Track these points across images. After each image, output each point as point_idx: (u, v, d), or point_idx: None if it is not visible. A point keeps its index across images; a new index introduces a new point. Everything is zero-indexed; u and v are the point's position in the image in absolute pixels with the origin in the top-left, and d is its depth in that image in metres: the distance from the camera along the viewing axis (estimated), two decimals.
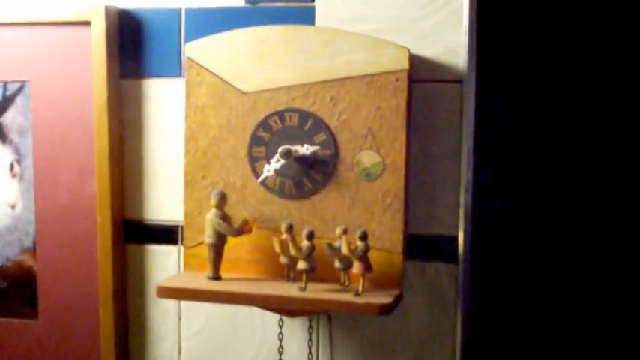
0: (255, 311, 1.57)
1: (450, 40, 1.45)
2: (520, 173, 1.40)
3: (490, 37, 1.40)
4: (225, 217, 1.41)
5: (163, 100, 1.60)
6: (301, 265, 1.35)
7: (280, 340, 1.53)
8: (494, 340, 1.42)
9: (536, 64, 1.38)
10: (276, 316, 1.53)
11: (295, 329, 1.56)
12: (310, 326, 1.52)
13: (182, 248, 1.59)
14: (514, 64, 1.39)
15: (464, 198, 1.43)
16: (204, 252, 1.46)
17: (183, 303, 1.62)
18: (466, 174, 1.42)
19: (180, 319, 1.64)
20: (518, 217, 1.41)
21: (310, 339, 1.53)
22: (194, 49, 1.48)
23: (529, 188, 1.40)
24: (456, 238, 1.47)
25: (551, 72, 1.38)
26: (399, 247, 1.39)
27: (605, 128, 1.36)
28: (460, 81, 1.45)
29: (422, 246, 1.48)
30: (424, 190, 1.47)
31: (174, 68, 1.59)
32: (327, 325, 1.54)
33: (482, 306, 1.42)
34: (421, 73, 1.44)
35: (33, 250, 1.65)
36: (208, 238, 1.41)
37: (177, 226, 1.61)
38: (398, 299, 1.35)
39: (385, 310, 1.28)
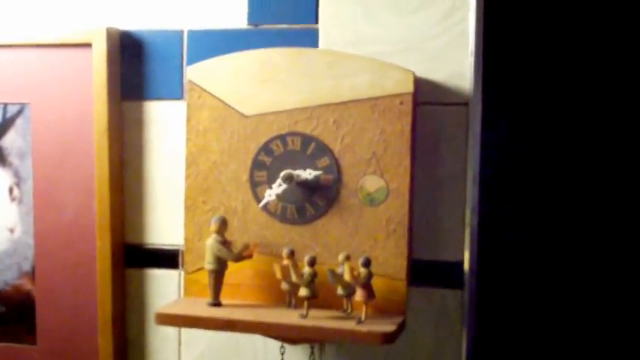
0: (256, 337, 1.54)
1: (455, 63, 1.43)
2: (527, 197, 1.38)
3: (497, 59, 1.39)
4: (225, 243, 1.39)
5: (165, 123, 1.58)
6: (303, 292, 1.33)
7: None
8: None
9: (544, 86, 1.37)
10: (277, 343, 1.50)
11: (297, 356, 1.52)
12: (312, 353, 1.49)
13: (182, 273, 1.56)
14: (521, 87, 1.37)
15: (469, 223, 1.40)
16: (205, 277, 1.43)
17: (184, 329, 1.59)
18: (472, 198, 1.40)
19: (180, 345, 1.61)
20: (525, 243, 1.39)
21: None
22: (196, 72, 1.46)
23: (536, 214, 1.38)
24: (461, 264, 1.44)
25: (559, 95, 1.36)
26: (402, 273, 1.36)
27: (614, 149, 1.34)
28: (466, 104, 1.42)
29: (427, 272, 1.45)
30: (428, 214, 1.45)
31: (175, 91, 1.57)
32: (329, 352, 1.51)
33: (489, 333, 1.40)
34: (426, 96, 1.42)
35: (32, 275, 1.63)
36: (208, 264, 1.39)
37: (178, 251, 1.59)
38: (401, 327, 1.32)
39: (388, 339, 1.25)
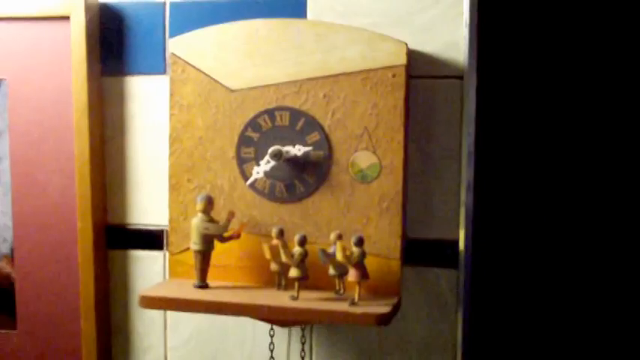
0: (245, 320, 1.49)
1: (449, 34, 1.38)
2: (523, 173, 1.33)
3: (491, 30, 1.33)
4: (212, 222, 1.33)
5: (147, 99, 1.53)
6: (293, 272, 1.28)
7: (271, 351, 1.45)
8: (495, 347, 1.35)
9: (540, 58, 1.32)
10: (267, 326, 1.45)
11: (287, 339, 1.48)
12: (303, 336, 1.44)
13: (167, 254, 1.51)
14: (516, 59, 1.32)
15: (464, 200, 1.35)
16: (190, 258, 1.38)
17: (169, 312, 1.54)
18: (467, 175, 1.35)
19: (166, 329, 1.56)
20: (521, 220, 1.34)
21: (303, 349, 1.45)
22: (178, 45, 1.40)
23: (532, 189, 1.33)
24: (456, 243, 1.40)
25: (555, 67, 1.31)
26: (396, 253, 1.31)
27: (608, 124, 1.30)
28: (460, 77, 1.37)
29: (420, 251, 1.40)
30: (422, 192, 1.40)
31: (158, 65, 1.52)
32: (321, 334, 1.46)
33: (484, 312, 1.36)
34: (419, 69, 1.37)
35: (11, 257, 1.57)
36: (194, 244, 1.33)
37: (162, 231, 1.54)
38: (396, 308, 1.27)
39: (383, 320, 1.21)
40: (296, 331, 1.46)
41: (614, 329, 1.31)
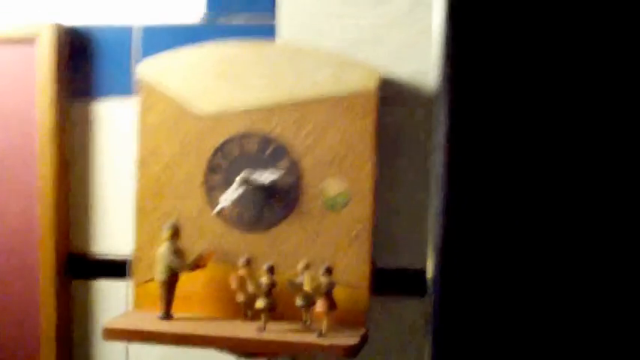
0: (210, 352, 1.44)
1: (419, 61, 1.36)
2: (493, 202, 1.31)
3: (462, 57, 1.32)
4: (178, 251, 1.30)
5: (113, 122, 1.50)
6: (260, 303, 1.24)
7: None
8: None
9: (513, 89, 1.30)
10: (233, 358, 1.40)
11: None
12: None
13: (131, 284, 1.47)
14: (487, 86, 1.31)
15: (433, 228, 1.33)
16: (155, 288, 1.34)
17: (132, 344, 1.49)
18: (435, 204, 1.32)
19: (128, 359, 1.51)
20: (491, 248, 1.31)
21: None
22: (146, 69, 1.37)
23: (503, 218, 1.31)
24: (423, 272, 1.37)
25: (527, 95, 1.30)
26: (365, 282, 1.29)
27: (582, 150, 1.28)
28: (429, 104, 1.35)
29: (387, 280, 1.37)
30: (390, 220, 1.37)
31: (125, 87, 1.48)
32: None
33: (453, 343, 1.33)
34: (388, 96, 1.35)
35: None
36: (160, 274, 1.30)
37: (126, 260, 1.49)
38: (364, 339, 1.24)
39: (351, 352, 1.18)
40: None
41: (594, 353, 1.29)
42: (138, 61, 1.45)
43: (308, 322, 1.26)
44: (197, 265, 1.31)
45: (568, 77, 1.25)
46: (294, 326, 1.26)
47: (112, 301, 1.51)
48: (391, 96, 1.36)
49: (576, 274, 1.28)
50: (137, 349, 1.50)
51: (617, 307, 1.28)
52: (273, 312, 1.25)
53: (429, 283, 1.33)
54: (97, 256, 1.51)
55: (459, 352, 1.31)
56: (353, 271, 1.29)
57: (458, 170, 1.29)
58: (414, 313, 1.38)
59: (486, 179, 1.28)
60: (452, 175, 1.30)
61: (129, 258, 1.48)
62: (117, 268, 1.50)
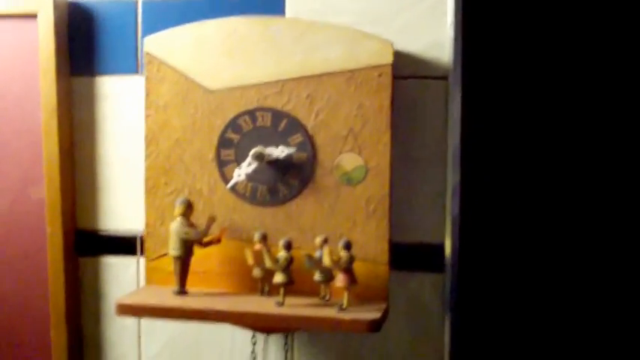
0: (224, 327, 1.44)
1: (433, 34, 1.34)
2: (510, 176, 1.31)
3: (477, 29, 1.31)
4: (192, 226, 1.28)
5: (118, 99, 1.47)
6: (279, 278, 1.23)
7: (254, 359, 1.40)
8: (483, 355, 1.32)
9: (527, 57, 1.30)
10: (247, 333, 1.40)
11: (270, 347, 1.43)
12: (286, 343, 1.40)
13: (141, 260, 1.46)
14: (503, 58, 1.30)
15: (450, 203, 1.32)
16: (168, 265, 1.33)
17: (144, 320, 1.49)
18: (452, 178, 1.32)
19: (140, 337, 1.50)
20: (508, 223, 1.32)
21: (287, 357, 1.40)
22: (154, 43, 1.35)
23: (519, 192, 1.31)
24: (441, 246, 1.36)
25: (543, 66, 1.29)
26: (384, 257, 1.28)
27: (597, 124, 1.28)
28: (445, 77, 1.34)
29: (404, 255, 1.37)
30: (406, 195, 1.36)
31: (130, 64, 1.46)
32: (302, 341, 1.42)
33: (470, 319, 1.33)
34: (403, 69, 1.34)
35: None
36: (173, 250, 1.28)
37: (135, 236, 1.48)
38: (385, 314, 1.24)
39: (374, 326, 1.17)
40: (279, 338, 1.42)
41: (607, 331, 1.30)
42: (143, 37, 1.42)
43: (327, 297, 1.26)
44: (211, 241, 1.30)
45: (591, 48, 1.24)
46: (312, 301, 1.25)
47: (121, 278, 1.49)
48: (405, 69, 1.34)
49: (598, 249, 1.28)
50: (149, 326, 1.49)
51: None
52: (291, 287, 1.24)
53: (447, 259, 1.33)
54: (105, 233, 1.49)
55: (478, 328, 1.31)
56: (371, 246, 1.28)
57: (474, 144, 1.29)
58: (431, 289, 1.38)
59: (503, 154, 1.28)
60: (468, 149, 1.29)
61: (138, 234, 1.46)
62: (126, 245, 1.49)
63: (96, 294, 1.51)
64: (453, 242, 1.33)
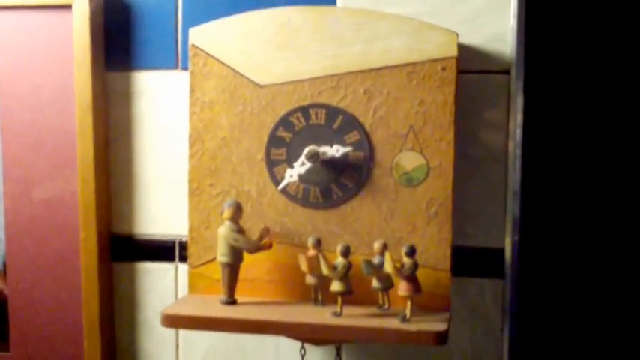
0: (267, 338, 1.37)
1: (495, 26, 1.27)
2: (573, 178, 1.23)
3: (541, 21, 1.23)
4: (240, 232, 1.20)
5: (156, 96, 1.39)
6: (336, 286, 1.15)
7: None
8: None
9: (593, 52, 1.22)
10: (293, 343, 1.32)
11: (320, 358, 1.35)
12: (338, 355, 1.31)
13: (180, 266, 1.38)
14: (568, 52, 1.22)
15: (511, 206, 1.24)
16: (212, 271, 1.26)
17: (182, 330, 1.40)
18: (513, 180, 1.24)
19: (177, 348, 1.43)
20: (570, 228, 1.24)
21: None
22: (199, 35, 1.26)
23: (583, 195, 1.23)
24: (502, 251, 1.28)
25: (610, 62, 1.21)
26: (446, 263, 1.20)
27: None
28: (507, 71, 1.26)
29: (464, 260, 1.29)
30: (465, 196, 1.28)
31: (169, 58, 1.38)
32: (356, 352, 1.34)
33: (531, 328, 1.25)
34: (463, 63, 1.25)
35: (3, 272, 1.42)
36: (222, 256, 1.20)
37: (173, 241, 1.40)
38: (449, 324, 1.15)
39: (441, 338, 1.09)
40: (329, 350, 1.33)
41: None
42: (183, 29, 1.35)
43: (386, 306, 1.18)
44: (262, 245, 1.22)
45: None
46: (370, 310, 1.18)
47: (159, 285, 1.42)
48: (465, 63, 1.26)
49: None
50: (187, 336, 1.41)
51: None
52: (349, 296, 1.16)
53: (507, 264, 1.25)
54: (142, 238, 1.41)
55: (537, 335, 1.24)
56: (432, 252, 1.20)
57: (536, 145, 1.21)
58: (491, 295, 1.30)
59: (566, 154, 1.20)
60: (530, 148, 1.22)
61: (177, 238, 1.39)
62: (164, 250, 1.41)
63: (131, 302, 1.43)
64: (513, 246, 1.25)
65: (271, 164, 1.25)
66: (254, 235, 1.23)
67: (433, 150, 1.20)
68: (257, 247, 1.20)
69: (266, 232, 1.21)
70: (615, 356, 1.23)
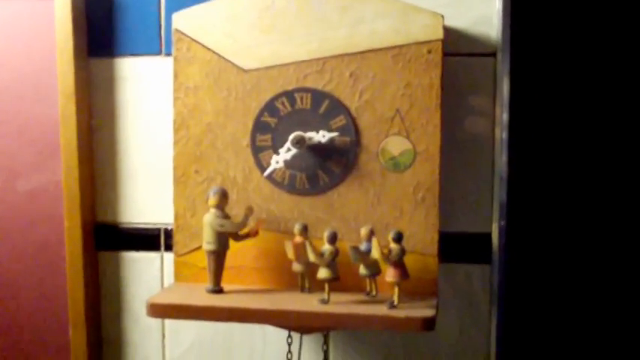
0: (254, 327, 1.35)
1: (481, 8, 1.25)
2: (560, 163, 1.22)
3: (526, 3, 1.22)
4: (227, 219, 1.19)
5: (140, 82, 1.37)
6: (323, 273, 1.14)
7: None
8: (531, 351, 1.23)
9: (580, 35, 1.21)
10: (279, 332, 1.31)
11: (307, 347, 1.34)
12: (325, 343, 1.30)
13: (166, 255, 1.36)
14: (554, 35, 1.21)
15: (498, 191, 1.23)
16: (198, 260, 1.24)
17: (168, 319, 1.39)
18: (499, 165, 1.23)
19: (164, 338, 1.41)
20: (558, 213, 1.23)
21: (326, 357, 1.31)
22: (183, 20, 1.25)
23: (570, 180, 1.22)
24: (488, 237, 1.27)
25: (597, 46, 1.20)
26: (433, 249, 1.19)
27: None
28: (494, 54, 1.25)
29: (451, 246, 1.28)
30: (452, 182, 1.27)
31: (153, 44, 1.36)
32: (344, 340, 1.33)
33: (519, 313, 1.24)
34: (449, 46, 1.24)
35: None
36: (208, 244, 1.18)
37: (158, 229, 1.38)
38: (437, 310, 1.14)
39: (429, 324, 1.08)
40: (317, 337, 1.32)
41: None
42: (166, 14, 1.33)
43: (373, 293, 1.17)
44: (247, 233, 1.20)
45: None
46: (358, 297, 1.16)
47: (144, 274, 1.40)
48: (451, 46, 1.25)
49: None
50: (173, 326, 1.40)
51: None
52: (336, 283, 1.14)
53: (494, 249, 1.24)
54: (127, 226, 1.39)
55: (525, 320, 1.23)
56: (420, 237, 1.19)
57: (522, 130, 1.20)
58: (478, 281, 1.29)
59: (553, 140, 1.19)
60: (517, 132, 1.21)
61: (162, 227, 1.37)
62: (149, 239, 1.39)
63: (117, 291, 1.41)
64: (500, 232, 1.24)
65: (257, 150, 1.23)
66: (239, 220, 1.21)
67: (419, 134, 1.18)
68: (243, 226, 1.18)
69: (250, 211, 1.19)
70: (603, 340, 1.23)
